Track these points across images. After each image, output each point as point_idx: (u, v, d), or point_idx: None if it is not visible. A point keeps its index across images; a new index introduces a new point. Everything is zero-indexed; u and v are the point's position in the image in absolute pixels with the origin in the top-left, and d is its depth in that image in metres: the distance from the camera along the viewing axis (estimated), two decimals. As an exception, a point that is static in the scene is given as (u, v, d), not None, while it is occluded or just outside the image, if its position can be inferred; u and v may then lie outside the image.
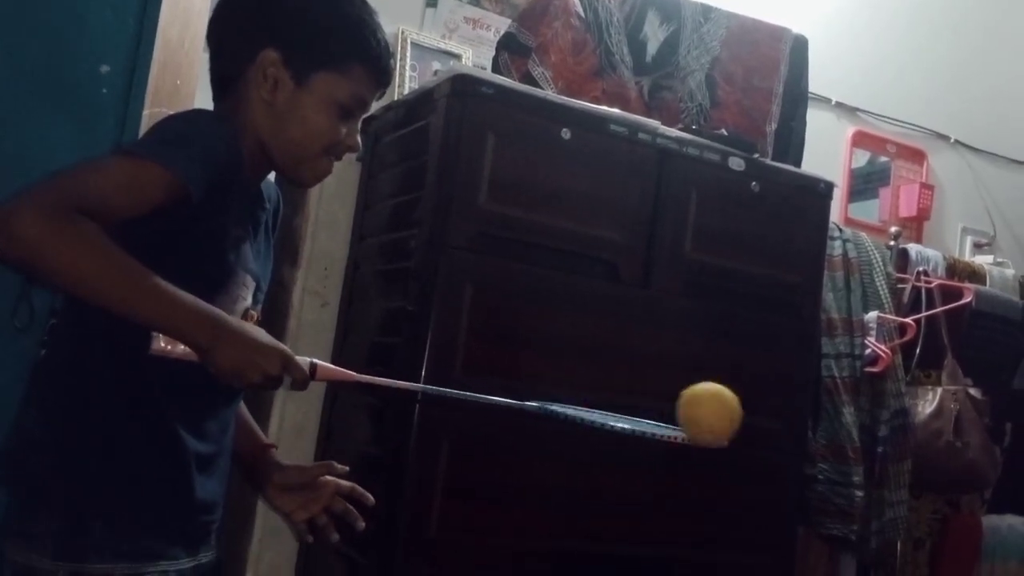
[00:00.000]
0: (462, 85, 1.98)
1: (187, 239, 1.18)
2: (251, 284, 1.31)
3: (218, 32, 1.34)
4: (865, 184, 3.34)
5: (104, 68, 1.67)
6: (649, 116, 2.24)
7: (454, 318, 1.94)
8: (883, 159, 3.34)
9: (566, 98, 2.12)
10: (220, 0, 1.35)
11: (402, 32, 2.50)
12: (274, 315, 2.38)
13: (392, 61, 1.37)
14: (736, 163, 2.23)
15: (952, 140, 3.44)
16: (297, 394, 2.37)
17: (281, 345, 1.16)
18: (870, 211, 3.33)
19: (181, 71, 1.94)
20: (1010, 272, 3.21)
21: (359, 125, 1.34)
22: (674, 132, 2.19)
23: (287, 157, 1.30)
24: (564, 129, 2.04)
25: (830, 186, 2.36)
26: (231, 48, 1.30)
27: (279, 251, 2.36)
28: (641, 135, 2.12)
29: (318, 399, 2.39)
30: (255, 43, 1.26)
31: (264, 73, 1.26)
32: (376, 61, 1.31)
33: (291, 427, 2.38)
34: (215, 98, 1.35)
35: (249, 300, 1.32)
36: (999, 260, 3.28)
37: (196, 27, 1.98)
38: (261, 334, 1.16)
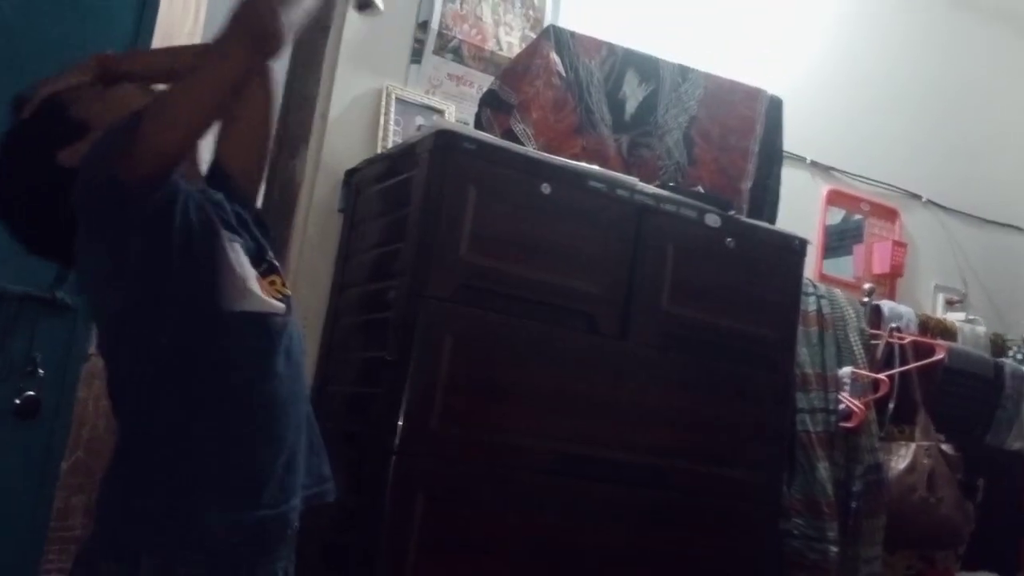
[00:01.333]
0: (445, 140, 2.02)
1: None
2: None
3: None
4: (839, 241, 3.40)
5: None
6: (628, 173, 2.28)
7: (433, 368, 1.95)
8: (857, 217, 3.41)
9: (547, 154, 2.16)
10: None
11: (387, 88, 2.54)
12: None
13: None
14: (712, 220, 2.28)
15: (924, 199, 3.51)
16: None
17: None
18: (844, 268, 3.39)
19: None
20: (981, 330, 3.26)
21: None
22: (652, 189, 2.23)
23: None
24: (545, 184, 2.07)
25: (804, 243, 2.41)
26: None
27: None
28: (620, 191, 2.17)
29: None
30: None
31: None
32: None
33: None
34: None
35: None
36: (971, 317, 3.33)
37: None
38: None
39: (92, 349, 2.11)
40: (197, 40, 2.31)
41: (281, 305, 1.29)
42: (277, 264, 1.40)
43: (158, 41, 1.77)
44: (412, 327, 1.97)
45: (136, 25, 1.79)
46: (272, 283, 1.34)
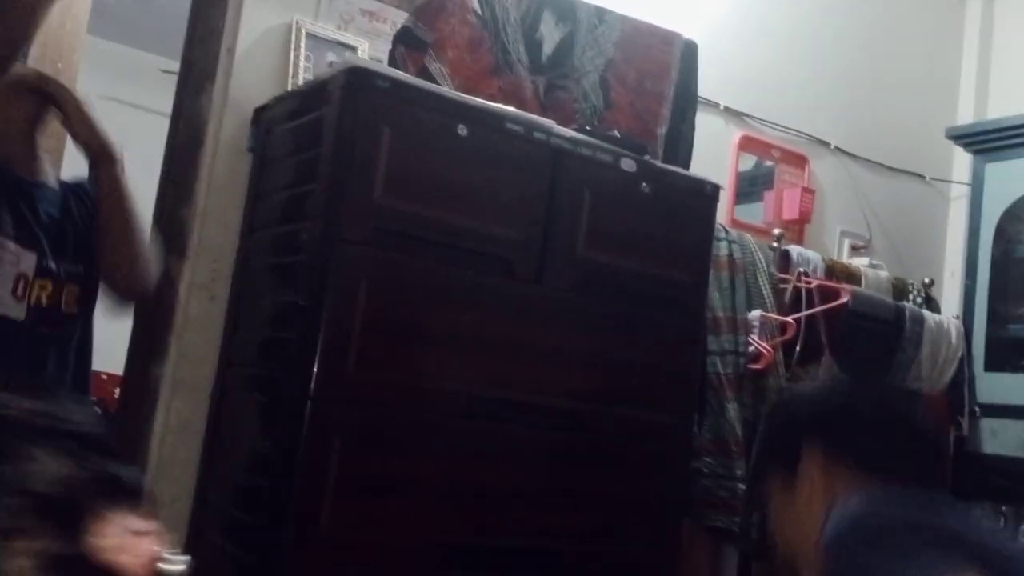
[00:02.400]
0: (357, 77, 1.96)
1: None
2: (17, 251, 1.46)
3: None
4: (751, 187, 3.45)
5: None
6: (544, 115, 2.27)
7: (347, 313, 1.92)
8: (768, 163, 3.46)
9: (463, 95, 2.12)
10: None
11: (296, 22, 2.45)
12: (160, 308, 2.31)
13: None
14: (628, 164, 2.28)
15: (832, 146, 3.58)
16: (185, 391, 2.32)
17: None
18: (755, 213, 3.44)
19: (62, 54, 1.88)
20: (884, 274, 3.36)
21: None
22: (568, 132, 2.22)
23: None
24: (460, 125, 2.04)
25: (717, 188, 2.43)
26: None
27: (165, 242, 2.31)
28: (536, 134, 2.15)
29: (206, 395, 2.34)
30: None
31: None
32: None
33: (177, 424, 2.32)
34: None
35: (23, 267, 1.48)
36: (874, 262, 3.43)
37: (78, 9, 1.92)
38: None
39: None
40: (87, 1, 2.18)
41: None
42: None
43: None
44: (325, 271, 1.93)
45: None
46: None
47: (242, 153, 2.41)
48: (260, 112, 2.39)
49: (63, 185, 1.80)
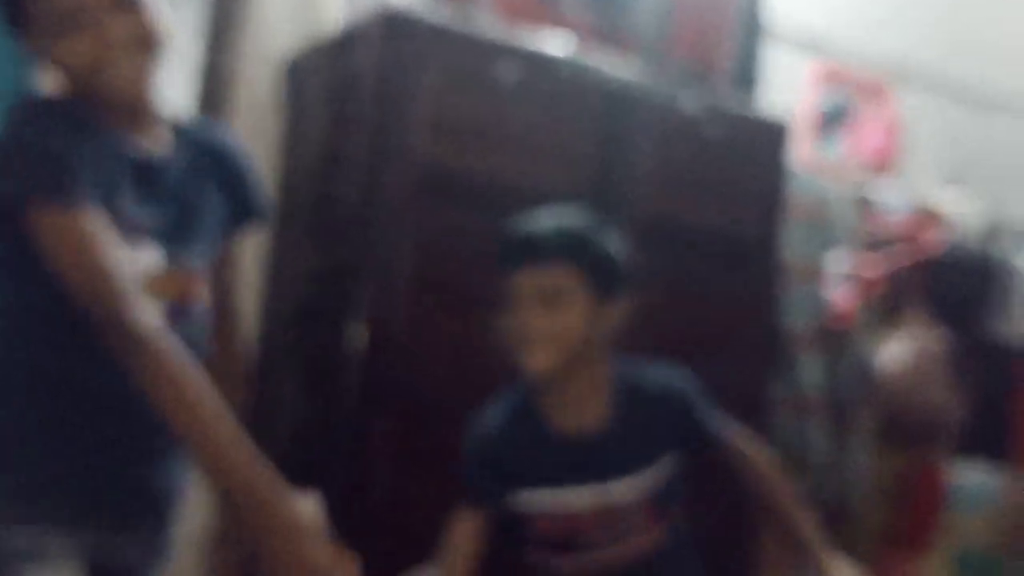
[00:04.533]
0: (396, 22, 1.88)
1: None
2: (143, 239, 1.22)
3: None
4: (829, 124, 3.25)
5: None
6: (598, 47, 2.12)
7: (394, 273, 1.83)
8: (848, 98, 3.24)
9: (508, 35, 2.00)
10: None
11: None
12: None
13: None
14: (689, 103, 2.13)
15: (921, 78, 3.34)
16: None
17: None
18: (833, 152, 3.24)
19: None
20: (975, 216, 3.15)
21: (522, 305, 1.39)
22: (623, 73, 2.09)
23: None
24: (508, 69, 1.93)
25: (788, 127, 2.28)
26: None
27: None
28: (590, 75, 2.03)
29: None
30: None
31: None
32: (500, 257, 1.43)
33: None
34: None
35: (154, 258, 1.23)
36: (965, 204, 3.21)
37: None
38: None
39: None
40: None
41: None
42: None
43: None
44: (369, 230, 1.84)
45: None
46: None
47: (271, 108, 2.30)
48: (292, 65, 2.29)
49: None
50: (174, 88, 2.39)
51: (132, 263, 1.17)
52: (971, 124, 3.42)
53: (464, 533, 1.43)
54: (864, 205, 2.84)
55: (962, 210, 3.15)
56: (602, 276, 1.40)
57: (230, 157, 1.39)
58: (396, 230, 1.85)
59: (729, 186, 2.18)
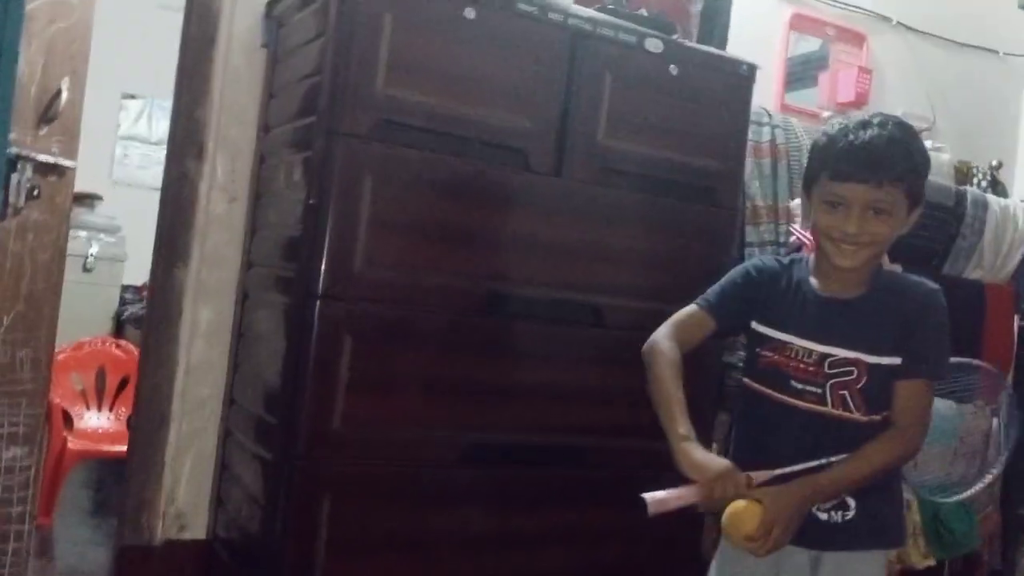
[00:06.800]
0: (356, -38, 1.87)
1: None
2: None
3: None
4: (803, 70, 3.25)
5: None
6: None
7: (352, 211, 1.87)
8: (822, 43, 3.25)
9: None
10: None
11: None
12: (179, 212, 2.29)
13: (861, 155, 1.46)
14: (654, 45, 2.15)
15: (894, 22, 3.34)
16: (209, 294, 2.32)
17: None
18: (809, 98, 3.25)
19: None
20: (946, 157, 3.17)
21: (853, 212, 1.47)
22: (588, 12, 2.09)
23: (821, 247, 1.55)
24: (468, 8, 1.94)
25: (753, 68, 2.28)
26: None
27: (182, 144, 2.27)
28: (552, 15, 2.03)
29: (230, 299, 2.33)
30: None
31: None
32: (834, 164, 1.49)
33: (205, 327, 2.32)
34: None
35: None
36: (936, 145, 3.22)
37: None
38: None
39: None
40: None
41: None
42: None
43: None
44: (330, 167, 1.88)
45: None
46: None
47: (256, 49, 2.34)
48: (272, 5, 2.31)
49: None
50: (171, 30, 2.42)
51: None
52: (944, 66, 3.43)
53: (695, 322, 1.65)
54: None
55: (932, 149, 3.16)
56: (918, 189, 1.51)
57: None
58: (355, 168, 1.87)
59: (692, 126, 2.18)
